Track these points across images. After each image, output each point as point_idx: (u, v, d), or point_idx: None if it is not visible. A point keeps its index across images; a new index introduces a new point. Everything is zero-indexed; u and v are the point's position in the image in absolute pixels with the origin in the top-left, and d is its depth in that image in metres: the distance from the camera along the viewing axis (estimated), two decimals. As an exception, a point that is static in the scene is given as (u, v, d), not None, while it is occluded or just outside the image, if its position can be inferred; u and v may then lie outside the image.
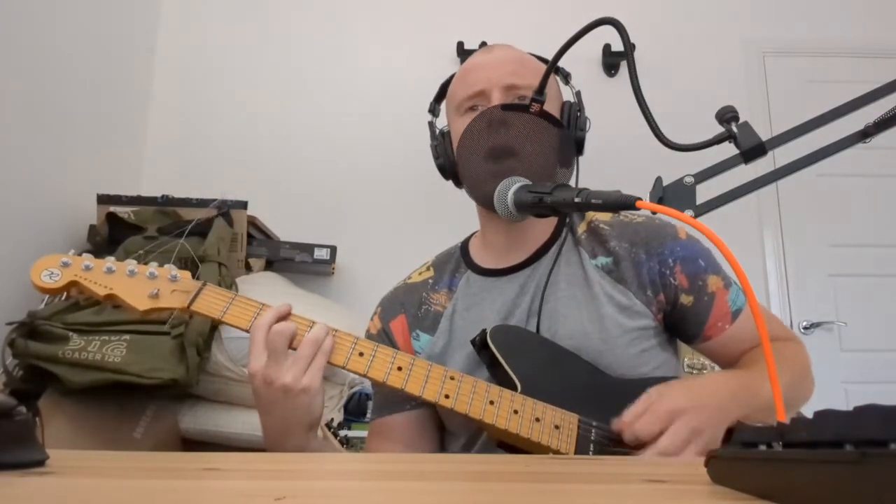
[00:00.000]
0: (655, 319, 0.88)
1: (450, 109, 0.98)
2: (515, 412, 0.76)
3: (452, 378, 0.77)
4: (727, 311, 0.89)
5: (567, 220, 0.96)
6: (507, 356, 0.81)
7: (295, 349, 0.74)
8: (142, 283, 0.78)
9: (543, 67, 0.89)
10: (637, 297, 0.87)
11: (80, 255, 0.78)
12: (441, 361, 0.88)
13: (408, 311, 0.97)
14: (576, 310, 0.87)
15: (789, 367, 0.86)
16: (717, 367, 0.97)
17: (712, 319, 0.89)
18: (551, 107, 0.91)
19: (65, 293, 0.80)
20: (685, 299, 0.88)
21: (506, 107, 0.87)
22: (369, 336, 0.99)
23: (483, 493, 0.41)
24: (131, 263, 0.79)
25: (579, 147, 0.94)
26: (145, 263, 0.81)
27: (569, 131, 0.92)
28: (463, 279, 0.96)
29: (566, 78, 1.00)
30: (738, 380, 0.80)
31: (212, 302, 0.78)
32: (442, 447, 0.95)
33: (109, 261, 0.79)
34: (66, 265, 0.76)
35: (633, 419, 0.73)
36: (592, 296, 0.87)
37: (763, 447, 0.34)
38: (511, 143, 0.86)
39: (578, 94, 0.97)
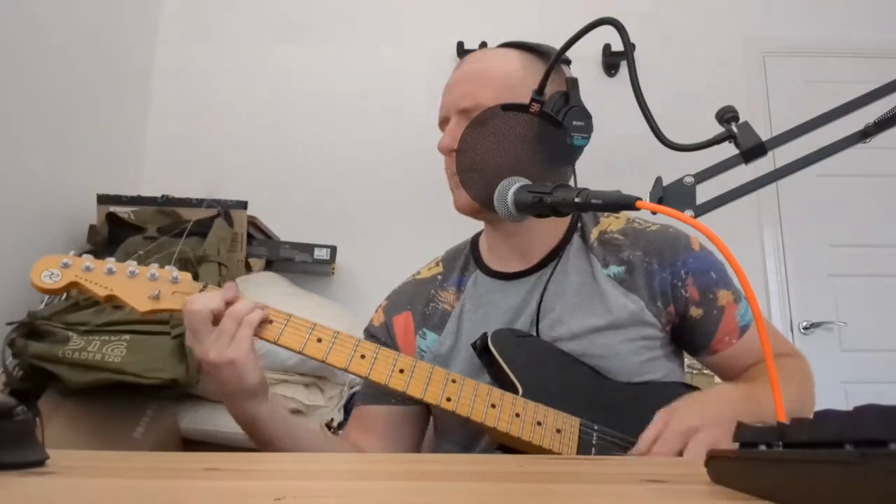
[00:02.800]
0: (664, 330, 0.88)
1: None
2: (517, 416, 0.76)
3: (454, 381, 0.77)
4: (735, 327, 0.89)
5: (579, 224, 0.95)
6: (509, 360, 0.81)
7: None
8: (143, 285, 0.78)
9: (505, 76, 0.87)
10: (648, 307, 0.87)
11: (80, 255, 0.78)
12: (446, 362, 0.88)
13: (415, 307, 0.96)
14: (581, 316, 0.86)
15: (796, 382, 0.86)
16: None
17: (720, 334, 0.89)
18: (512, 98, 0.83)
19: (65, 293, 0.79)
20: (695, 312, 0.88)
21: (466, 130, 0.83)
22: (371, 328, 0.99)
23: (482, 493, 0.41)
24: (132, 265, 0.79)
25: (566, 149, 0.82)
26: (146, 265, 0.80)
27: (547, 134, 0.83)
28: (471, 279, 0.96)
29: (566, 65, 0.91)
30: (740, 392, 0.80)
31: None
32: (418, 448, 0.95)
33: (110, 262, 0.78)
34: (66, 266, 0.76)
35: (649, 444, 0.72)
36: (602, 303, 0.86)
37: (763, 447, 0.34)
38: (474, 161, 0.83)
39: (575, 81, 0.86)
